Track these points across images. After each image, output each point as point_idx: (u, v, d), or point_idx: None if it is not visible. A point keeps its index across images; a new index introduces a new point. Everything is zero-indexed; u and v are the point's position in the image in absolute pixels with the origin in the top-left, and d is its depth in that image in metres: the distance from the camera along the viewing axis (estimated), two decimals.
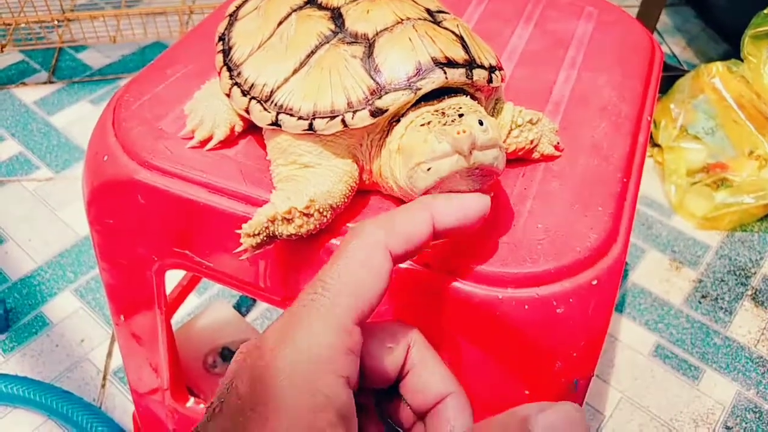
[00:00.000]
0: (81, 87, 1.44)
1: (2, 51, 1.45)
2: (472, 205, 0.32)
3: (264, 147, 0.50)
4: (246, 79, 0.49)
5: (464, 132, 0.38)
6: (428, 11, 0.48)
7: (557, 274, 0.44)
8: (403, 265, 0.45)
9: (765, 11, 1.21)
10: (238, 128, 0.52)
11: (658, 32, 1.68)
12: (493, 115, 0.49)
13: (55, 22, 1.49)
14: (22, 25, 1.49)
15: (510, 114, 0.49)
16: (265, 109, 0.47)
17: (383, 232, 0.29)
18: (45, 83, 1.44)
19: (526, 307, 0.44)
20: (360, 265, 0.28)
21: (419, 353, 0.29)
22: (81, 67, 1.50)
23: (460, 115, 0.41)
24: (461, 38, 0.46)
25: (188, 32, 0.67)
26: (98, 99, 1.40)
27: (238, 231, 0.44)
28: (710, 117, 1.20)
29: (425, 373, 0.29)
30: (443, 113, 0.42)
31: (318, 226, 0.45)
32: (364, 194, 0.49)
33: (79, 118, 1.36)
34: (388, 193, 0.48)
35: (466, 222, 0.31)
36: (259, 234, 0.43)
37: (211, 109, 0.52)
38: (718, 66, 1.21)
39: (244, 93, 0.48)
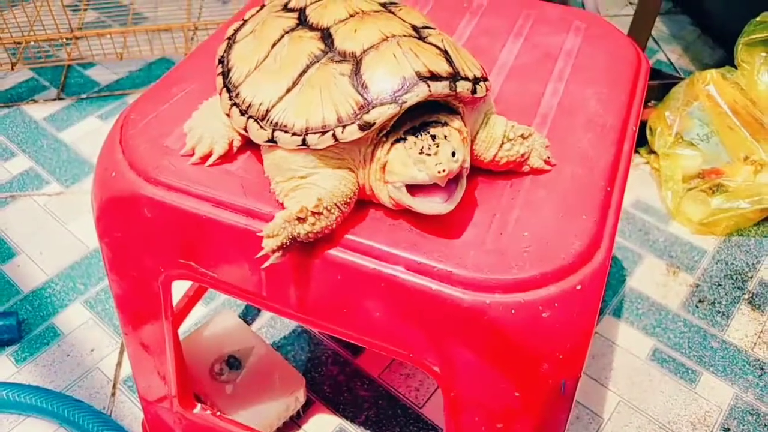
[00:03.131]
0: (89, 103, 1.47)
1: (12, 69, 1.49)
2: None
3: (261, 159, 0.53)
4: (244, 99, 0.51)
5: (444, 171, 0.44)
6: (414, 27, 0.51)
7: (543, 280, 0.47)
8: (392, 272, 0.48)
9: (758, 19, 1.23)
10: (237, 143, 0.55)
11: (654, 40, 1.70)
12: (482, 128, 0.52)
13: (64, 40, 1.53)
14: (32, 44, 1.52)
15: (502, 128, 0.52)
16: (261, 127, 0.49)
17: None
18: (54, 100, 1.48)
19: (513, 311, 0.46)
20: None
21: None
22: (89, 83, 1.53)
23: (433, 137, 0.45)
24: (445, 52, 0.49)
25: (192, 52, 0.70)
26: (106, 114, 1.44)
27: (259, 234, 0.47)
28: (705, 124, 1.22)
29: None
30: (417, 135, 0.46)
31: (330, 225, 0.48)
32: (363, 206, 0.51)
33: (88, 133, 1.39)
34: (383, 204, 0.50)
35: None
36: (278, 235, 0.46)
37: (210, 127, 0.54)
38: (712, 73, 1.23)
39: (242, 112, 0.51)
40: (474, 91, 0.48)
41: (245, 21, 0.58)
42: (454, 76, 0.48)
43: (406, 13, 0.53)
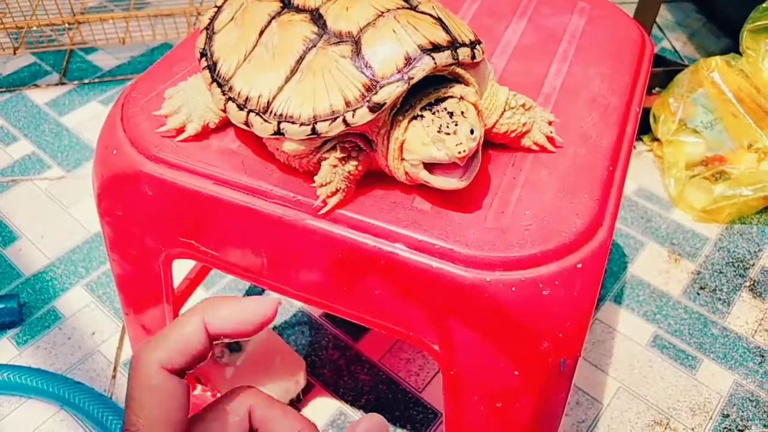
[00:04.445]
0: (91, 88, 1.47)
1: (15, 53, 1.48)
2: (250, 310, 0.31)
3: (260, 138, 0.52)
4: (239, 93, 0.50)
5: (464, 151, 0.44)
6: None
7: (543, 258, 0.47)
8: (392, 250, 0.48)
9: (764, 5, 1.22)
10: (212, 125, 0.55)
11: (659, 27, 1.69)
12: (485, 96, 0.52)
13: (66, 25, 1.52)
14: (34, 28, 1.52)
15: (504, 96, 0.52)
16: (265, 121, 0.48)
17: (156, 353, 0.30)
18: (56, 85, 1.48)
19: (514, 289, 0.46)
20: (149, 392, 0.29)
21: (261, 411, 0.31)
22: (91, 68, 1.53)
23: (450, 114, 0.45)
24: (440, 20, 0.49)
25: (194, 31, 0.70)
26: (108, 99, 1.43)
27: (312, 185, 0.49)
28: (709, 111, 1.21)
29: (272, 426, 0.31)
30: (434, 112, 0.45)
31: (367, 154, 0.49)
32: (365, 184, 0.51)
33: (90, 118, 1.39)
34: (397, 178, 0.50)
35: (243, 328, 0.31)
36: (331, 181, 0.48)
37: (190, 102, 0.54)
38: (717, 60, 1.22)
39: (240, 107, 0.49)
40: (473, 56, 0.48)
41: (219, 8, 0.55)
42: (453, 44, 0.47)
43: None
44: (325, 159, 0.48)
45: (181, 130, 0.54)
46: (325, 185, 0.48)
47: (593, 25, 0.69)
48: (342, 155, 0.47)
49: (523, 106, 0.52)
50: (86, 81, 1.49)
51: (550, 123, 0.54)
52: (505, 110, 0.51)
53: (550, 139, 0.54)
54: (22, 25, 1.48)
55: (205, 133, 0.55)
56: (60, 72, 1.51)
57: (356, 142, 0.48)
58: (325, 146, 0.48)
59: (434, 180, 0.47)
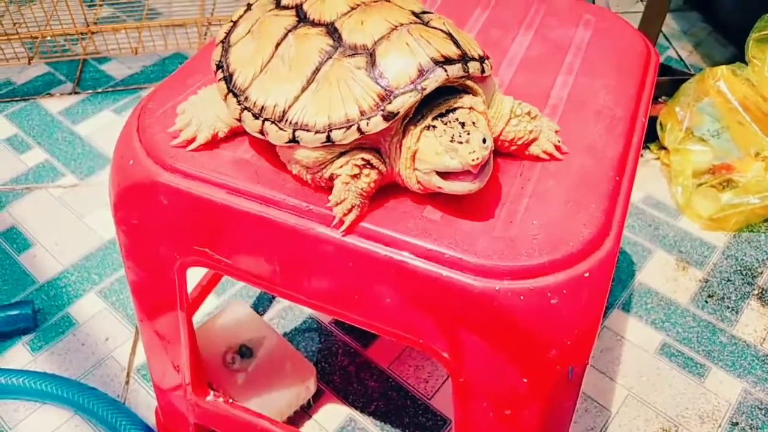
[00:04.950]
0: (104, 97, 1.49)
1: (29, 63, 1.51)
2: None
3: (274, 147, 0.53)
4: (255, 103, 0.51)
5: (477, 159, 0.45)
6: (414, 14, 0.52)
7: (551, 267, 0.48)
8: (403, 259, 0.49)
9: None
10: (221, 134, 0.56)
11: (665, 36, 1.69)
12: (491, 105, 0.53)
13: (80, 35, 1.55)
14: (48, 38, 1.54)
15: (509, 105, 0.54)
16: (281, 129, 0.50)
17: None
18: (70, 94, 1.50)
19: (522, 298, 0.47)
20: None
21: None
22: (104, 78, 1.55)
23: (462, 124, 0.46)
24: (450, 35, 0.50)
25: (207, 43, 0.71)
26: (121, 108, 1.45)
27: (328, 205, 0.50)
28: (715, 119, 1.22)
29: None
30: (446, 122, 0.47)
31: (381, 170, 0.50)
32: (385, 192, 0.52)
33: (103, 126, 1.41)
34: (408, 187, 0.51)
35: None
36: (345, 198, 0.49)
37: (200, 114, 0.56)
38: (723, 69, 1.23)
39: (256, 116, 0.51)
40: (483, 71, 0.50)
41: (235, 23, 0.57)
42: (464, 58, 0.49)
43: (402, 0, 0.53)
44: (337, 176, 0.49)
45: (192, 140, 0.56)
46: (340, 203, 0.49)
47: (598, 36, 0.70)
48: (354, 172, 0.48)
49: (528, 114, 0.53)
50: (99, 90, 1.51)
51: (556, 132, 0.55)
52: (510, 118, 0.53)
53: (557, 147, 0.55)
54: (37, 35, 1.50)
55: (216, 143, 0.56)
56: (73, 81, 1.54)
57: (368, 159, 0.49)
58: (338, 162, 0.49)
59: (447, 185, 0.48)
